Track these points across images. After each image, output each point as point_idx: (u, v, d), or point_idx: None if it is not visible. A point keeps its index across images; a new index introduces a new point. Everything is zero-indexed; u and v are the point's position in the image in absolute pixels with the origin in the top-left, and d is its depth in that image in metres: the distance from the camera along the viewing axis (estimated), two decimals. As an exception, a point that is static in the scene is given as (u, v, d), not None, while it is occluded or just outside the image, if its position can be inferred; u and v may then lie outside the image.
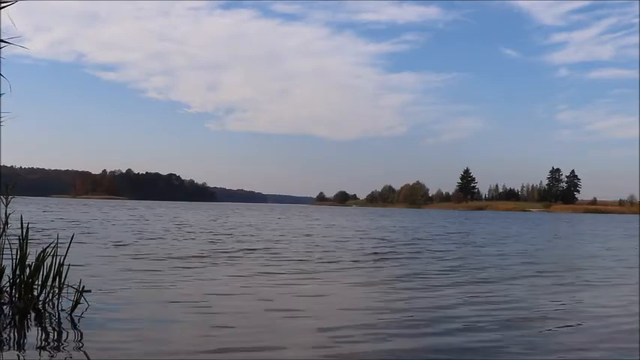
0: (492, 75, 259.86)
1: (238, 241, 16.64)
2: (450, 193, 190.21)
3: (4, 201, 5.84)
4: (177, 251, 12.82)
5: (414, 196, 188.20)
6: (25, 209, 36.83)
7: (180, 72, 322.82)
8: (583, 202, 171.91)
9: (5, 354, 4.38)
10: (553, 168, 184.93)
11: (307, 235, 21.15)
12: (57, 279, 5.89)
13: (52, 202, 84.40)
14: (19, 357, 4.40)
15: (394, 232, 25.35)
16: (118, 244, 14.03)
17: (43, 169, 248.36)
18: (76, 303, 5.73)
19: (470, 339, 5.29)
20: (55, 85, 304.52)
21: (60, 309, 5.78)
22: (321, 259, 12.20)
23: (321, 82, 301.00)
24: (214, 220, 33.02)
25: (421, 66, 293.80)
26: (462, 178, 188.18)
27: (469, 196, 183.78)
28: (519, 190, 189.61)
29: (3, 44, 5.58)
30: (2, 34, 5.58)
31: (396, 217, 54.30)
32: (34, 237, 10.02)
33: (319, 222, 36.33)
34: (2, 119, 5.67)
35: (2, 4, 5.50)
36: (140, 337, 5.11)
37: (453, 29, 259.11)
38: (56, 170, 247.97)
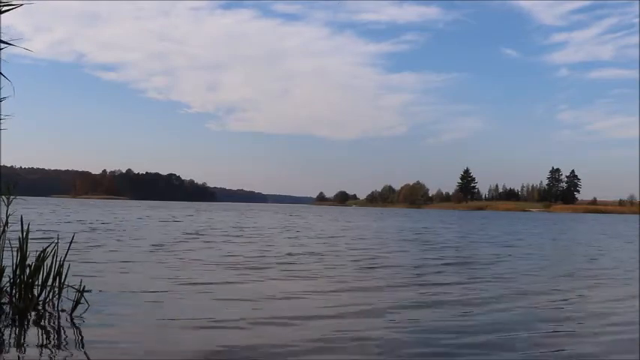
0: (492, 75, 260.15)
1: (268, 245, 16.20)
2: (450, 193, 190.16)
3: (5, 201, 5.84)
4: (196, 255, 12.28)
5: (414, 196, 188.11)
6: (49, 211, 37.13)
7: (180, 72, 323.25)
8: (583, 202, 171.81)
9: (6, 354, 4.38)
10: (553, 168, 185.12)
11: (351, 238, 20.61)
12: (57, 279, 5.89)
13: (53, 202, 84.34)
14: (19, 357, 4.40)
15: (430, 234, 24.93)
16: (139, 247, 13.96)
17: (43, 169, 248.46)
18: (77, 303, 5.74)
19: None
20: (55, 85, 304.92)
21: (60, 309, 5.78)
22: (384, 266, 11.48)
23: (322, 82, 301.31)
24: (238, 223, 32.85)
25: (421, 66, 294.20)
26: (462, 178, 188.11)
27: (469, 196, 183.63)
28: (519, 190, 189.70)
29: (4, 45, 5.58)
30: (3, 34, 5.59)
31: (406, 218, 53.55)
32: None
33: (342, 223, 35.49)
34: (2, 121, 5.67)
35: (3, 8, 5.50)
36: (141, 337, 5.12)
37: (453, 29, 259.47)
38: (56, 170, 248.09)
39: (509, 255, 14.86)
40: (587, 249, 18.47)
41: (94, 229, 19.85)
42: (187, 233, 19.89)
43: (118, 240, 15.75)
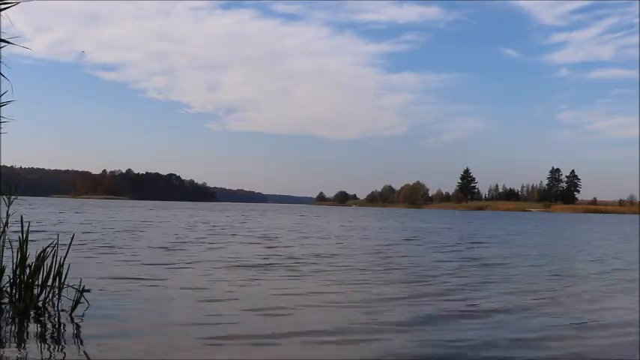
0: (492, 75, 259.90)
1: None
2: (450, 193, 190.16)
3: (6, 201, 5.85)
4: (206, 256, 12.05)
5: (414, 196, 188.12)
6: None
7: (180, 72, 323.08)
8: (583, 202, 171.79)
9: (6, 354, 4.38)
10: (553, 168, 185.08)
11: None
12: (57, 279, 5.89)
13: (54, 202, 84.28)
14: (19, 357, 4.40)
15: (441, 235, 24.68)
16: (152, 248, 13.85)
17: (43, 169, 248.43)
18: (77, 303, 5.74)
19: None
20: (55, 85, 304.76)
21: (60, 309, 5.79)
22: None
23: (322, 82, 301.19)
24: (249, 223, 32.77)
25: (421, 66, 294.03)
26: (462, 178, 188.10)
27: (469, 196, 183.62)
28: (519, 190, 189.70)
29: (3, 44, 5.59)
30: (2, 34, 5.59)
31: (411, 218, 52.92)
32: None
33: (349, 224, 34.84)
34: (3, 123, 5.68)
35: (2, 6, 5.51)
36: (141, 337, 5.12)
37: (453, 29, 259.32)
38: (56, 170, 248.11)
39: (527, 255, 14.61)
40: (604, 250, 18.04)
41: (102, 230, 19.74)
42: (197, 234, 19.71)
43: (126, 240, 15.71)
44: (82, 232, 16.95)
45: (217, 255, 12.41)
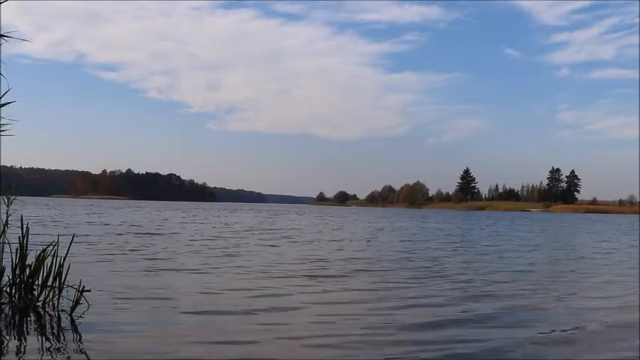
0: (493, 75, 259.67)
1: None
2: (450, 193, 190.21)
3: (6, 201, 5.83)
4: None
5: (414, 196, 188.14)
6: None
7: (181, 72, 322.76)
8: (583, 202, 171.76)
9: (5, 354, 4.37)
10: (553, 168, 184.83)
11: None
12: (57, 279, 5.88)
13: (57, 202, 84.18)
14: (19, 357, 4.39)
15: (466, 236, 24.46)
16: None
17: (43, 169, 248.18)
18: (76, 303, 5.73)
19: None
20: (55, 85, 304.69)
21: (60, 309, 5.78)
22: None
23: (322, 82, 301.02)
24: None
25: (422, 66, 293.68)
26: (462, 178, 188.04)
27: (469, 196, 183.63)
28: (519, 190, 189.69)
29: (3, 40, 5.57)
30: (2, 32, 5.58)
31: (421, 219, 52.26)
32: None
33: (365, 224, 34.39)
34: (9, 125, 5.66)
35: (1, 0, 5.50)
36: (140, 337, 5.11)
37: (454, 29, 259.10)
38: (56, 170, 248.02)
39: (576, 267, 13.02)
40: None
41: (108, 231, 19.55)
42: (209, 235, 19.40)
43: (130, 240, 15.68)
44: (108, 234, 17.31)
45: (232, 259, 11.99)
